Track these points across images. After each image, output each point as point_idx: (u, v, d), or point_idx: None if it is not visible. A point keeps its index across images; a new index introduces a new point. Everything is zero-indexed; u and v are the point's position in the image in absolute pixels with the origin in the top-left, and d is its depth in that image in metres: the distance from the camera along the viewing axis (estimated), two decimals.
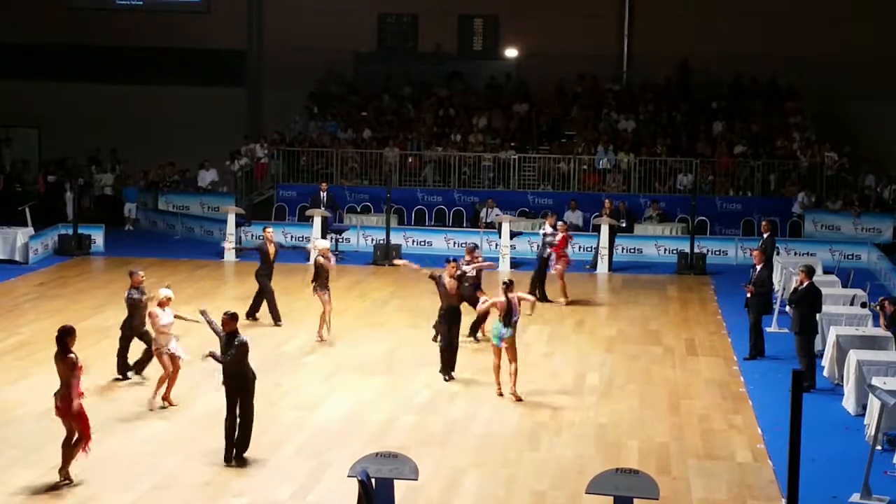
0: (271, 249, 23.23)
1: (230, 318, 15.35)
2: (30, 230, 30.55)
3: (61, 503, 13.63)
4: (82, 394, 14.26)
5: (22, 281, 27.60)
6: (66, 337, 14.24)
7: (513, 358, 18.23)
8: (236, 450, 15.23)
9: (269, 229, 24.12)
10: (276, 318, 23.23)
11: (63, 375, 14.13)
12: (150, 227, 36.73)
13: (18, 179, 37.69)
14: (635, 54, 41.38)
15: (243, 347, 15.24)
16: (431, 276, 19.68)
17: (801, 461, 9.56)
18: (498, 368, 18.42)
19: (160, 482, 14.38)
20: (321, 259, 21.81)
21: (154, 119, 41.50)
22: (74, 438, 14.25)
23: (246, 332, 21.45)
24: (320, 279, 21.71)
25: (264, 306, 23.39)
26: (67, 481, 14.17)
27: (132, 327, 18.78)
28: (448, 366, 19.43)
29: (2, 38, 42.37)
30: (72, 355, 14.07)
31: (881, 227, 33.92)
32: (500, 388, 18.44)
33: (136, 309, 18.64)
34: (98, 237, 32.19)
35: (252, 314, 23.41)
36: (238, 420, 15.24)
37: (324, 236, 30.26)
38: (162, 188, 37.75)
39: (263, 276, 23.30)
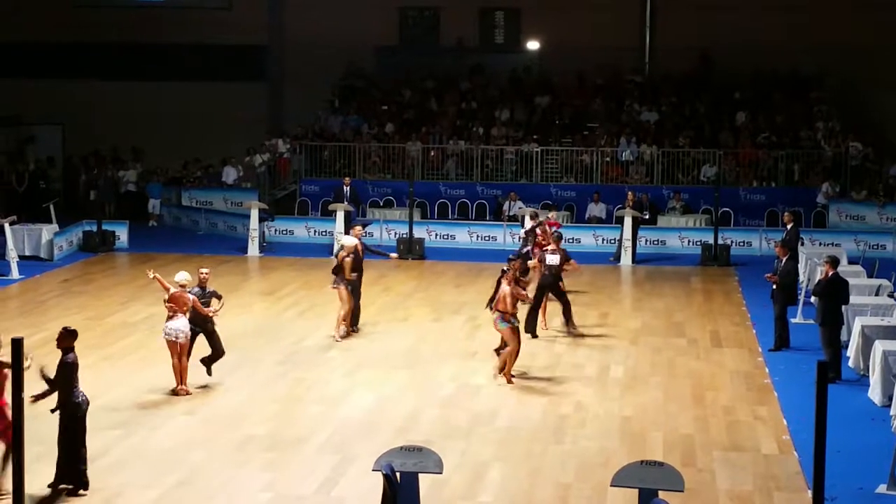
0: (359, 247, 22.21)
1: (68, 334, 13.85)
2: (54, 227, 30.66)
3: (86, 500, 13.64)
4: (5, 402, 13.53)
5: (47, 278, 27.70)
6: None
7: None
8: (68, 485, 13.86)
9: (358, 228, 23.26)
10: (353, 322, 22.11)
11: None
12: (174, 222, 36.83)
13: (43, 177, 37.82)
14: (657, 45, 41.24)
15: (65, 367, 13.64)
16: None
17: (826, 452, 9.49)
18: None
19: (184, 478, 14.40)
20: (344, 255, 21.36)
21: (176, 115, 41.54)
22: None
23: (280, 328, 21.52)
24: (341, 274, 21.29)
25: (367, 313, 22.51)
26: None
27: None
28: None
29: (25, 36, 42.52)
30: None
31: None
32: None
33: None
34: (122, 233, 32.31)
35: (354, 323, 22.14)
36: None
37: (347, 231, 30.26)
38: (185, 184, 37.83)
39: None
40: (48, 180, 38.03)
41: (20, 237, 29.36)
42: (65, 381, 13.65)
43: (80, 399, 13.72)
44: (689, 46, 39.30)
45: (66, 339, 13.80)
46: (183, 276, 17.89)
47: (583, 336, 21.88)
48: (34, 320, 22.84)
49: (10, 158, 39.12)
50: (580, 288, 26.44)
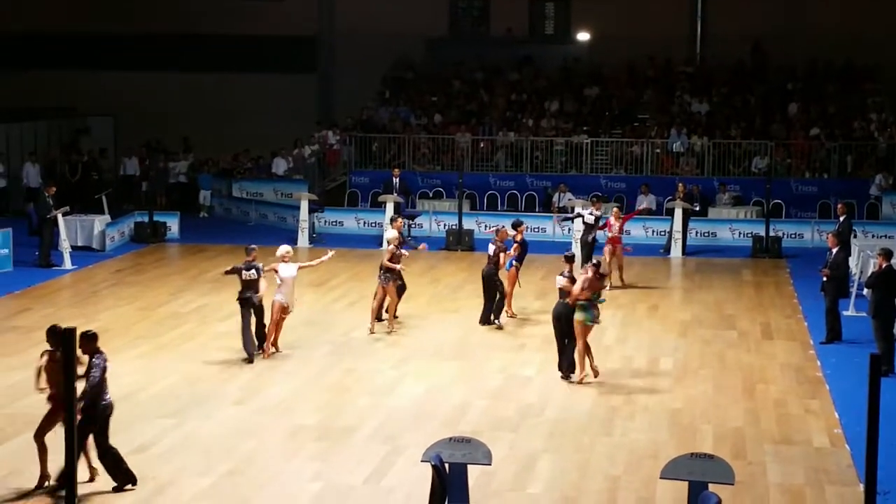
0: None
1: (90, 339, 13.54)
2: (107, 218, 30.91)
3: (139, 488, 13.73)
4: None
5: (99, 268, 27.93)
6: None
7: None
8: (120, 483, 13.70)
9: (399, 221, 23.32)
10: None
11: None
12: (225, 214, 36.98)
13: (95, 167, 38.13)
14: (709, 35, 41.04)
15: (95, 374, 13.36)
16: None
17: (879, 446, 9.42)
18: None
19: (235, 467, 14.49)
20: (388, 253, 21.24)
21: (227, 106, 41.79)
22: None
23: (333, 320, 21.58)
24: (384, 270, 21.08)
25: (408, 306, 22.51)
26: None
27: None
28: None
29: (77, 27, 42.95)
30: None
31: None
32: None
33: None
34: (173, 224, 32.50)
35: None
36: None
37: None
38: (235, 175, 38.00)
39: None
40: (101, 171, 38.31)
41: (73, 228, 29.58)
42: (91, 383, 13.33)
43: (103, 403, 13.46)
44: (740, 36, 39.08)
45: (89, 343, 13.50)
46: (286, 248, 19.82)
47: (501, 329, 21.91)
48: (87, 310, 23.05)
49: (64, 149, 39.47)
50: (630, 280, 26.36)
